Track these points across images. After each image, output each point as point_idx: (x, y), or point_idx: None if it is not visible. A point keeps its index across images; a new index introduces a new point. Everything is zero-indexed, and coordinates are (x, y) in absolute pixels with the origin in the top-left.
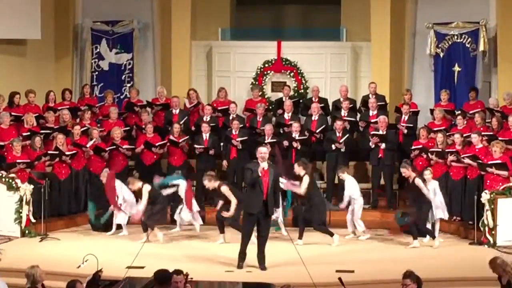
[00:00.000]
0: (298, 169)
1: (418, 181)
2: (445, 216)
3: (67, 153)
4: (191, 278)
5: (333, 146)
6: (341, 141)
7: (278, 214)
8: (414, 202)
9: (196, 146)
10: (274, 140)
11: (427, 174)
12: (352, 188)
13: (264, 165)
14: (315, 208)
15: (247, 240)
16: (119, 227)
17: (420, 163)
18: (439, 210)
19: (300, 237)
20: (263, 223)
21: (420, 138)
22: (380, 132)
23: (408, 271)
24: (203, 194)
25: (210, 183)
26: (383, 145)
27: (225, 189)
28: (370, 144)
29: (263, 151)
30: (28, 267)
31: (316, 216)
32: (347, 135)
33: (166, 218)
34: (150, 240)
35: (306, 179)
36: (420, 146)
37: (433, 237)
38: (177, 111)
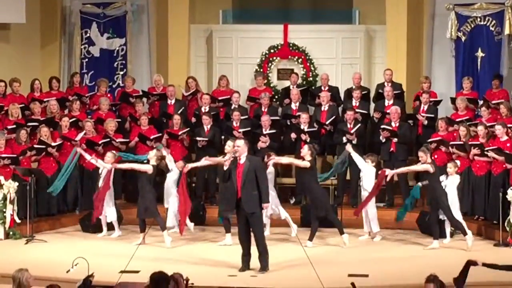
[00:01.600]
0: (306, 153)
1: (423, 167)
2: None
3: (53, 144)
4: (192, 284)
5: (344, 138)
6: (352, 131)
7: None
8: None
9: (198, 138)
10: (273, 131)
11: (450, 167)
12: (368, 181)
13: (243, 158)
14: (318, 201)
15: (241, 242)
16: (110, 227)
17: (436, 156)
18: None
19: (311, 238)
20: (250, 221)
21: (438, 130)
22: (390, 127)
23: (432, 275)
24: (203, 191)
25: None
26: (395, 139)
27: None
28: (381, 138)
29: (235, 144)
30: (15, 270)
31: (319, 208)
32: (359, 125)
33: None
34: (146, 242)
35: (305, 163)
36: (438, 139)
37: (436, 238)
38: (173, 101)
